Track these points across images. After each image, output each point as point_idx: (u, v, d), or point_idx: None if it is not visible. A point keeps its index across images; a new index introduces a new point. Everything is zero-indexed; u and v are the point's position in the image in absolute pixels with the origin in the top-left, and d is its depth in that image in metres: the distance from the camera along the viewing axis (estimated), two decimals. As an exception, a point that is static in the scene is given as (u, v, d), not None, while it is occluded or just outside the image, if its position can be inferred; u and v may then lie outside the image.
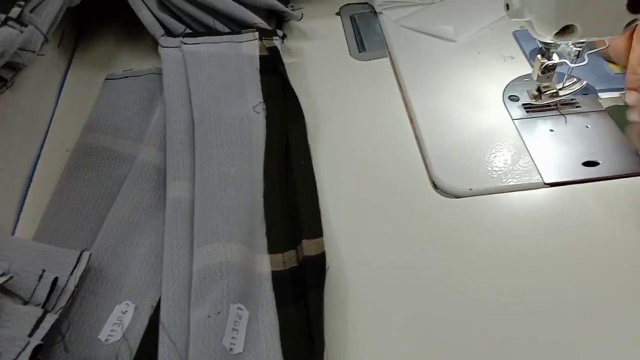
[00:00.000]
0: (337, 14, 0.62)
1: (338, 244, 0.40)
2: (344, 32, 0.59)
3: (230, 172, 0.40)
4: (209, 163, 0.40)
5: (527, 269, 0.38)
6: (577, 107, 0.49)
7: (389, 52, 0.57)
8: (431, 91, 0.51)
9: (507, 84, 0.51)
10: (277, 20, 0.60)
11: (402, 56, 0.55)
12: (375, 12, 0.61)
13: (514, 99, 0.50)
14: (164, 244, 0.38)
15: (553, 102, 0.48)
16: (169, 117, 0.45)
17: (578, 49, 0.44)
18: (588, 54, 0.45)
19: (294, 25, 0.60)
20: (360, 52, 0.57)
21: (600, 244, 0.40)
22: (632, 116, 0.44)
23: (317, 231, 0.39)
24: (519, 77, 0.52)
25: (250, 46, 0.51)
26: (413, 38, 0.58)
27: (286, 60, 0.55)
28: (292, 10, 0.60)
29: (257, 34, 0.52)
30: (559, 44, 0.43)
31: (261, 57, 0.51)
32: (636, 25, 0.39)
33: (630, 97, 0.47)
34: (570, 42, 0.43)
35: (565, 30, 0.39)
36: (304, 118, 0.47)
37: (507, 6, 0.41)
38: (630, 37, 0.49)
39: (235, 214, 0.38)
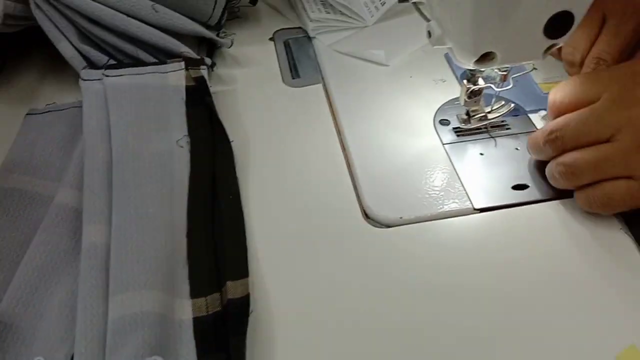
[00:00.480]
0: (271, 39, 0.61)
1: (266, 282, 0.39)
2: (277, 58, 0.58)
3: (148, 213, 0.38)
4: (127, 205, 0.39)
5: (459, 298, 0.38)
6: (507, 129, 0.49)
7: (322, 78, 0.56)
8: (364, 117, 0.51)
9: (438, 108, 0.51)
10: (209, 48, 0.58)
11: (335, 82, 0.55)
12: (309, 37, 0.61)
13: (444, 123, 0.50)
14: (79, 294, 0.36)
15: (482, 125, 0.48)
16: (87, 155, 0.42)
17: (503, 72, 0.44)
18: (513, 78, 0.45)
19: (226, 52, 0.58)
20: (293, 78, 0.56)
21: (530, 268, 0.39)
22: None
23: (242, 271, 0.37)
24: (450, 100, 0.52)
25: (176, 76, 0.50)
26: (346, 63, 0.57)
27: (217, 88, 0.54)
28: (224, 36, 0.59)
29: (183, 63, 0.51)
30: (481, 72, 0.43)
31: (187, 88, 0.49)
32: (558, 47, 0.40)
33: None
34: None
35: (486, 57, 0.39)
36: (231, 150, 0.45)
37: (429, 33, 0.41)
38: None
39: (153, 258, 0.36)
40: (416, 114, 0.51)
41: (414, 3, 0.42)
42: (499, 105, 0.47)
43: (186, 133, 0.45)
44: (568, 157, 0.40)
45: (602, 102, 0.39)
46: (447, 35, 0.39)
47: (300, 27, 0.62)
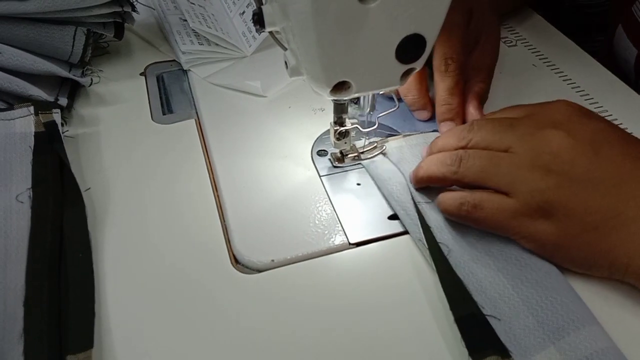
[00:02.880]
0: (142, 73, 0.57)
1: (117, 353, 0.34)
2: (148, 93, 0.54)
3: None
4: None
5: (335, 343, 0.35)
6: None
7: (196, 113, 0.53)
8: (238, 153, 0.48)
9: (316, 139, 0.49)
10: (73, 87, 0.54)
11: (209, 116, 0.52)
12: (184, 70, 0.57)
13: (322, 153, 0.48)
14: None
15: (357, 163, 0.46)
16: None
17: (366, 113, 0.44)
18: (378, 118, 0.44)
19: (91, 91, 0.54)
20: (165, 114, 0.53)
21: (410, 301, 0.37)
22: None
23: (86, 342, 0.33)
24: (328, 129, 0.50)
25: (23, 123, 0.45)
26: (223, 96, 0.54)
27: (78, 130, 0.50)
28: (89, 74, 0.55)
29: (32, 108, 0.46)
30: (347, 112, 0.42)
31: (36, 135, 0.44)
32: (416, 71, 0.39)
33: (446, 127, 0.46)
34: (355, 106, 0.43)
35: (342, 86, 0.37)
36: (82, 201, 0.41)
37: (286, 64, 0.39)
38: (420, 79, 0.49)
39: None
40: (294, 146, 0.49)
41: (270, 32, 0.40)
42: (370, 147, 0.46)
43: (30, 186, 0.41)
44: (469, 150, 0.39)
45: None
46: (302, 65, 0.37)
47: (174, 60, 0.58)
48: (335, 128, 0.43)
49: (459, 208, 0.38)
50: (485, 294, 0.36)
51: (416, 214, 0.40)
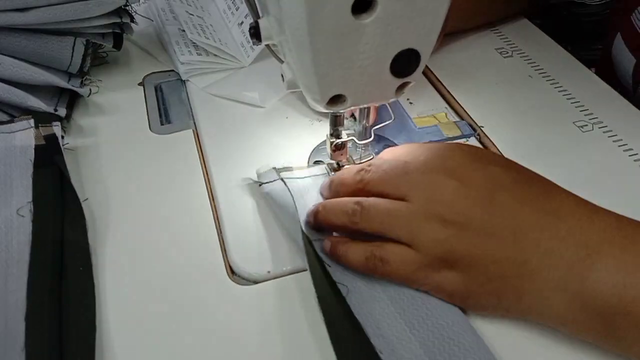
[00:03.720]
0: (140, 84, 0.57)
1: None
2: (146, 103, 0.55)
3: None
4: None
5: (331, 356, 0.35)
6: (381, 167, 0.48)
7: (194, 123, 0.53)
8: (235, 163, 0.48)
9: (313, 149, 0.49)
10: (72, 97, 0.54)
11: (207, 126, 0.52)
12: (182, 80, 0.58)
13: (319, 164, 0.48)
14: None
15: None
16: None
17: (362, 125, 0.44)
18: (375, 130, 0.44)
19: (89, 101, 0.54)
20: (162, 124, 0.53)
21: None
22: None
23: (88, 357, 0.33)
24: (325, 140, 0.50)
25: (24, 136, 0.45)
26: (221, 106, 0.55)
27: (77, 142, 0.50)
28: (88, 84, 0.55)
29: (32, 121, 0.46)
30: (343, 124, 0.43)
31: (37, 148, 0.45)
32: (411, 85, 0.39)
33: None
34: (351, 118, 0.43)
35: (337, 100, 0.37)
36: (83, 215, 0.41)
37: (282, 77, 0.40)
38: None
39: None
40: (291, 156, 0.49)
41: (267, 45, 0.40)
42: (368, 158, 0.46)
43: (30, 199, 0.41)
44: (369, 200, 0.37)
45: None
46: (298, 78, 0.38)
47: (173, 70, 0.59)
48: (332, 140, 0.43)
49: (365, 264, 0.37)
50: (383, 337, 0.34)
51: (309, 253, 0.38)
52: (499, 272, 0.34)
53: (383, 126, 0.47)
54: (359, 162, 0.46)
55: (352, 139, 0.44)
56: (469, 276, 0.35)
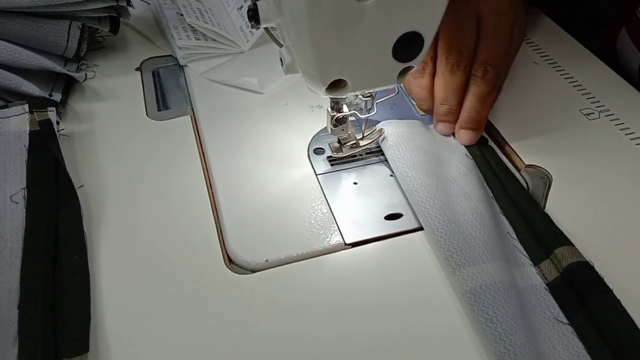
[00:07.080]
0: (138, 69, 0.56)
1: (113, 357, 0.34)
2: (143, 89, 0.54)
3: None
4: None
5: (329, 344, 0.35)
6: (382, 154, 0.46)
7: (192, 109, 0.52)
8: (234, 150, 0.47)
9: (313, 136, 0.48)
10: (68, 82, 0.53)
11: (205, 112, 0.51)
12: (180, 66, 0.57)
13: (319, 152, 0.47)
14: None
15: (356, 152, 0.45)
16: None
17: (366, 99, 0.42)
18: (377, 103, 0.43)
19: (86, 86, 0.53)
20: (160, 110, 0.52)
21: (405, 301, 0.37)
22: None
23: (82, 346, 0.33)
24: (325, 127, 0.49)
25: (18, 121, 0.44)
26: (219, 92, 0.54)
27: (73, 127, 0.49)
28: (85, 69, 0.54)
29: (27, 106, 0.45)
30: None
31: (31, 133, 0.44)
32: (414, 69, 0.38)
33: (443, 128, 0.46)
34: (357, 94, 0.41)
35: (337, 85, 0.36)
36: (78, 202, 0.40)
37: (281, 61, 0.39)
38: (430, 78, 0.48)
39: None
40: (290, 144, 0.48)
41: (266, 29, 0.39)
42: (370, 132, 0.45)
43: (24, 186, 0.40)
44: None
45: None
46: (297, 63, 0.37)
47: (171, 55, 0.58)
48: (332, 114, 0.41)
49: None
50: None
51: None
52: None
53: (387, 99, 0.45)
54: (360, 137, 0.45)
55: (354, 113, 0.42)
56: None
